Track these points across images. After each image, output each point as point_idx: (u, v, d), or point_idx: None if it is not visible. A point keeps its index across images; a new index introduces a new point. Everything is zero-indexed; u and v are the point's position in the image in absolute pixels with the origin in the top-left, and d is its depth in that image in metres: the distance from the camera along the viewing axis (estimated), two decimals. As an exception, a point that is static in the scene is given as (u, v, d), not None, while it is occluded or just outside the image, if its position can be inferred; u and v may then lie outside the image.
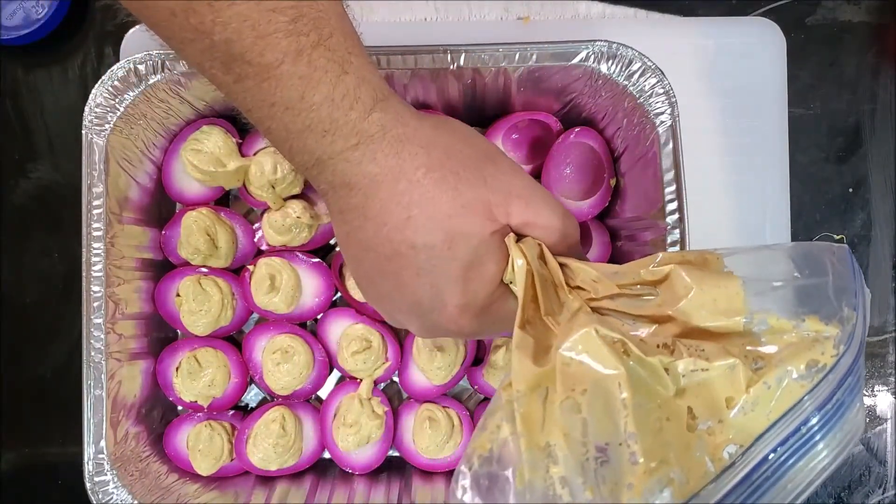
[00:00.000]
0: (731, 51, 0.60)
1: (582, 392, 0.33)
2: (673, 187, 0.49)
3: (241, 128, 0.57)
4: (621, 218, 0.56)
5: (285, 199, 0.56)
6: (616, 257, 0.57)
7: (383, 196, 0.35)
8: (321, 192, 0.38)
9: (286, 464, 0.55)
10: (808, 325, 0.34)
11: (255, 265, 0.56)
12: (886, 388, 0.60)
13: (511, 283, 0.38)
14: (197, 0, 0.32)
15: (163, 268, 0.57)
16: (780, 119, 0.60)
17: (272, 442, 0.53)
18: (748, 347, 0.34)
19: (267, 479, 0.56)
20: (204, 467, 0.54)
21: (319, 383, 0.57)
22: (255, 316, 0.59)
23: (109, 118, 0.51)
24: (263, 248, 0.57)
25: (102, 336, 0.51)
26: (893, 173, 0.61)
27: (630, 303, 0.37)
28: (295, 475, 0.57)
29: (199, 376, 0.55)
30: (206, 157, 0.53)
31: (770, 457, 0.33)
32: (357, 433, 0.54)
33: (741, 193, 0.60)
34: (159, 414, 0.57)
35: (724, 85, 0.60)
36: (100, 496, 0.51)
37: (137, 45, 0.59)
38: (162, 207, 0.58)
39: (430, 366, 0.54)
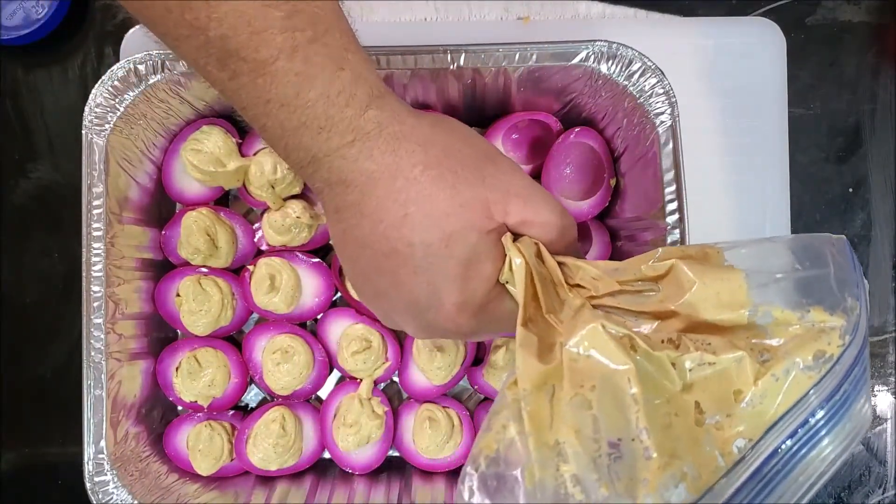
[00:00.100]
0: (731, 51, 0.60)
1: (591, 388, 0.33)
2: (673, 187, 0.49)
3: (241, 128, 0.57)
4: (621, 218, 0.56)
5: (285, 199, 0.56)
6: (616, 257, 0.57)
7: (380, 193, 0.35)
8: (316, 190, 0.38)
9: (286, 464, 0.55)
10: (812, 316, 0.34)
11: (255, 265, 0.56)
12: (886, 388, 0.60)
13: (507, 282, 0.38)
14: None
15: (163, 268, 0.57)
16: (780, 119, 0.60)
17: (272, 442, 0.53)
18: (753, 340, 0.34)
19: (267, 479, 0.56)
20: (204, 467, 0.54)
21: (319, 383, 0.57)
22: (255, 316, 0.59)
23: (109, 118, 0.51)
24: (263, 248, 0.57)
25: (102, 336, 0.51)
26: (893, 173, 0.61)
27: (632, 299, 0.37)
28: (295, 475, 0.57)
29: (199, 376, 0.55)
30: (206, 157, 0.53)
31: (780, 449, 0.33)
32: (357, 433, 0.54)
33: (741, 193, 0.60)
34: (159, 414, 0.57)
35: (724, 85, 0.60)
36: (100, 496, 0.51)
37: (137, 45, 0.59)
38: (162, 207, 0.58)
39: (430, 366, 0.54)
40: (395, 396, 0.59)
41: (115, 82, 0.51)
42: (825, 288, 0.34)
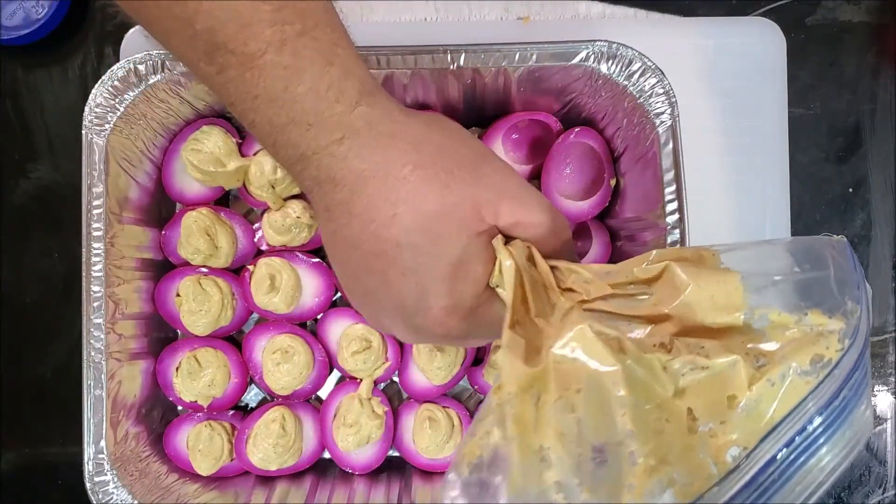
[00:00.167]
0: (731, 51, 0.60)
1: (576, 391, 0.32)
2: (673, 187, 0.49)
3: (241, 128, 0.57)
4: (621, 218, 0.56)
5: (285, 199, 0.56)
6: (616, 257, 0.57)
7: (370, 192, 0.35)
8: (306, 189, 0.37)
9: (286, 464, 0.55)
10: (810, 320, 0.33)
11: (255, 265, 0.56)
12: (886, 388, 0.60)
13: (497, 286, 0.37)
14: None
15: (163, 268, 0.57)
16: (780, 119, 0.60)
17: (272, 442, 0.53)
18: (749, 344, 0.33)
19: (267, 479, 0.56)
20: (204, 467, 0.54)
21: (319, 383, 0.57)
22: (255, 316, 0.59)
23: (109, 118, 0.51)
24: (263, 248, 0.57)
25: (102, 336, 0.51)
26: (893, 173, 0.61)
27: (624, 303, 0.36)
28: (295, 475, 0.57)
29: (199, 376, 0.55)
30: (206, 157, 0.53)
31: (777, 457, 0.32)
32: (357, 433, 0.54)
33: (741, 193, 0.60)
34: (159, 414, 0.57)
35: (724, 85, 0.60)
36: (100, 496, 0.51)
37: (137, 45, 0.59)
38: (162, 207, 0.58)
39: (430, 366, 0.54)
40: (395, 396, 0.59)
41: (115, 82, 0.51)
42: (824, 290, 0.33)
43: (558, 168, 0.56)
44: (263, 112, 0.34)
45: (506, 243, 0.37)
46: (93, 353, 0.50)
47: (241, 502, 0.54)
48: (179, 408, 0.58)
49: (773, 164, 0.60)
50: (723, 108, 0.60)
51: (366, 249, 0.36)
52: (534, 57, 0.50)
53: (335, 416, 0.56)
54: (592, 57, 0.50)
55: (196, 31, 0.32)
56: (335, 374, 0.59)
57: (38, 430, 0.60)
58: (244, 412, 0.59)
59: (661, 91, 0.49)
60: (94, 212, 0.51)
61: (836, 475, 0.32)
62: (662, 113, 0.49)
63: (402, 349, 0.57)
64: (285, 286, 0.55)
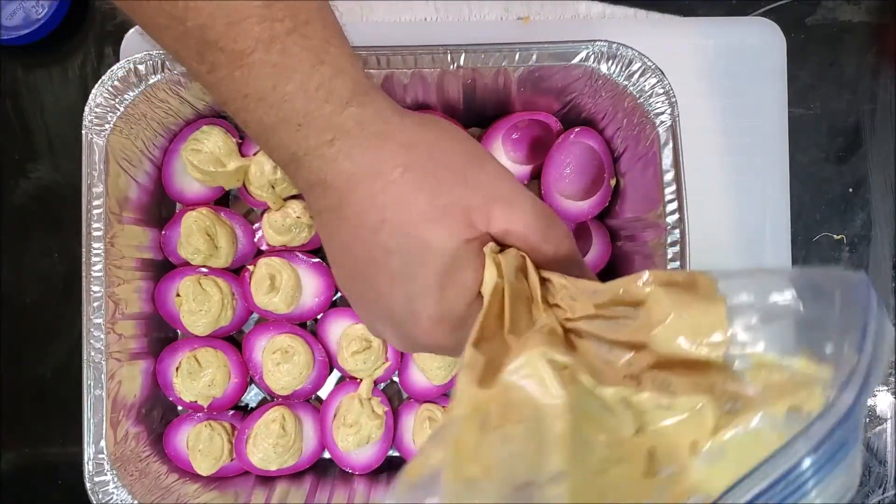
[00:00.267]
0: (731, 51, 0.60)
1: (517, 421, 0.29)
2: (673, 187, 0.49)
3: (240, 128, 0.57)
4: (621, 218, 0.56)
5: (285, 199, 0.56)
6: (616, 257, 0.57)
7: (359, 197, 0.34)
8: (300, 190, 0.36)
9: (286, 464, 0.55)
10: (796, 365, 0.29)
11: (255, 265, 0.56)
12: (886, 387, 0.60)
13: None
14: None
15: (163, 268, 0.57)
16: (780, 119, 0.60)
17: (272, 442, 0.53)
18: (726, 385, 0.30)
19: (267, 479, 0.56)
20: (204, 467, 0.54)
21: (319, 383, 0.57)
22: (255, 316, 0.59)
23: (109, 118, 0.51)
24: (263, 248, 0.57)
25: (102, 336, 0.51)
26: (893, 173, 0.61)
27: (606, 325, 0.33)
28: (295, 475, 0.57)
29: (199, 376, 0.55)
30: (206, 157, 0.53)
31: None
32: (357, 433, 0.54)
33: (741, 193, 0.60)
34: (159, 414, 0.57)
35: (724, 85, 0.60)
36: (100, 496, 0.51)
37: (137, 45, 0.59)
38: (162, 207, 0.58)
39: (430, 366, 0.54)
40: (395, 396, 0.59)
41: (115, 82, 0.51)
42: (821, 333, 0.29)
43: (558, 168, 0.56)
44: (253, 112, 0.33)
45: (501, 251, 0.35)
46: (93, 353, 0.50)
47: (241, 502, 0.54)
48: (179, 408, 0.58)
49: (773, 164, 0.60)
50: (723, 108, 0.60)
51: (356, 254, 0.35)
52: (534, 57, 0.50)
53: (335, 416, 0.56)
54: (592, 57, 0.50)
55: (187, 28, 0.31)
56: (335, 374, 0.59)
57: (38, 430, 0.60)
58: (244, 412, 0.59)
59: (661, 91, 0.49)
60: (94, 212, 0.51)
61: None
62: (662, 113, 0.49)
63: (402, 349, 0.57)
64: (285, 286, 0.55)
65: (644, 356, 0.32)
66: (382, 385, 0.59)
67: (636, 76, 0.49)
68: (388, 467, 0.57)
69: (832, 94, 0.61)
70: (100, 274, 0.51)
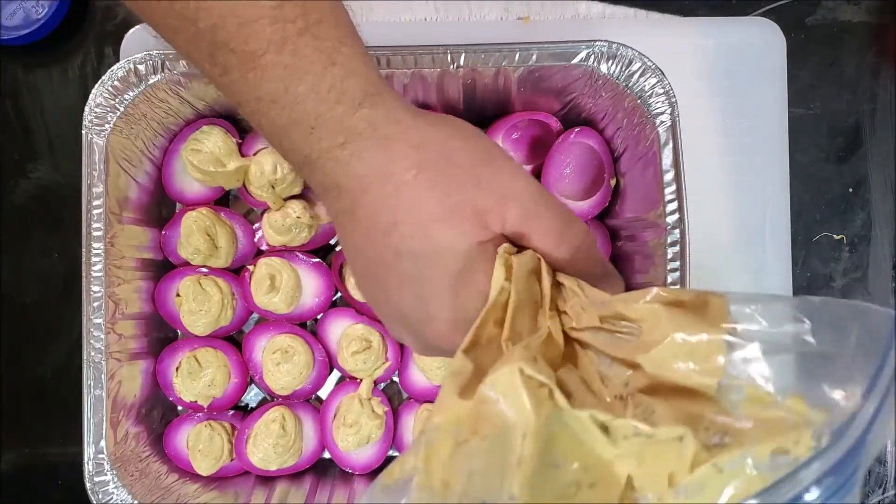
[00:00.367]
0: (731, 51, 0.60)
1: (484, 437, 0.28)
2: (673, 187, 0.49)
3: (241, 128, 0.57)
4: (621, 218, 0.56)
5: (285, 199, 0.56)
6: (616, 257, 0.57)
7: (371, 199, 0.33)
8: (316, 192, 0.36)
9: (286, 464, 0.55)
10: (790, 404, 0.28)
11: (255, 265, 0.56)
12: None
13: None
14: None
15: (163, 268, 0.57)
16: (780, 119, 0.60)
17: (272, 442, 0.53)
18: (715, 416, 0.28)
19: (267, 479, 0.56)
20: (204, 467, 0.54)
21: (319, 383, 0.57)
22: (255, 316, 0.59)
23: (109, 118, 0.51)
24: (263, 248, 0.57)
25: (102, 336, 0.51)
26: (893, 173, 0.61)
27: (608, 340, 0.32)
28: (295, 475, 0.57)
29: (199, 376, 0.55)
30: (206, 157, 0.53)
31: None
32: (357, 433, 0.54)
33: (741, 193, 0.60)
34: (159, 414, 0.57)
35: (724, 85, 0.60)
36: (100, 496, 0.51)
37: (137, 45, 0.59)
38: (162, 207, 0.58)
39: (430, 366, 0.54)
40: (395, 396, 0.59)
41: (115, 82, 0.51)
42: (824, 372, 0.27)
43: (558, 168, 0.56)
44: (267, 114, 0.33)
45: (518, 251, 0.34)
46: (93, 353, 0.50)
47: (241, 502, 0.54)
48: (179, 408, 0.58)
49: (773, 164, 0.60)
50: (723, 108, 0.60)
51: (368, 256, 0.35)
52: (534, 57, 0.50)
53: (335, 416, 0.56)
54: (592, 57, 0.50)
55: (199, 29, 0.31)
56: (335, 374, 0.59)
57: (38, 430, 0.60)
58: (244, 412, 0.59)
59: (661, 91, 0.49)
60: (94, 212, 0.51)
61: None
62: (662, 113, 0.49)
63: (402, 349, 0.57)
64: (285, 286, 0.55)
65: (639, 377, 0.31)
66: (382, 385, 0.59)
67: (636, 76, 0.49)
68: (388, 467, 0.57)
69: (832, 94, 0.61)
70: (100, 274, 0.51)
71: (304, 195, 0.57)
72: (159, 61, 0.51)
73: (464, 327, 0.33)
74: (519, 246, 0.35)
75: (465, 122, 0.37)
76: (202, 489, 0.54)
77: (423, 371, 0.55)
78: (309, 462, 0.56)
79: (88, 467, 0.50)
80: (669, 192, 0.49)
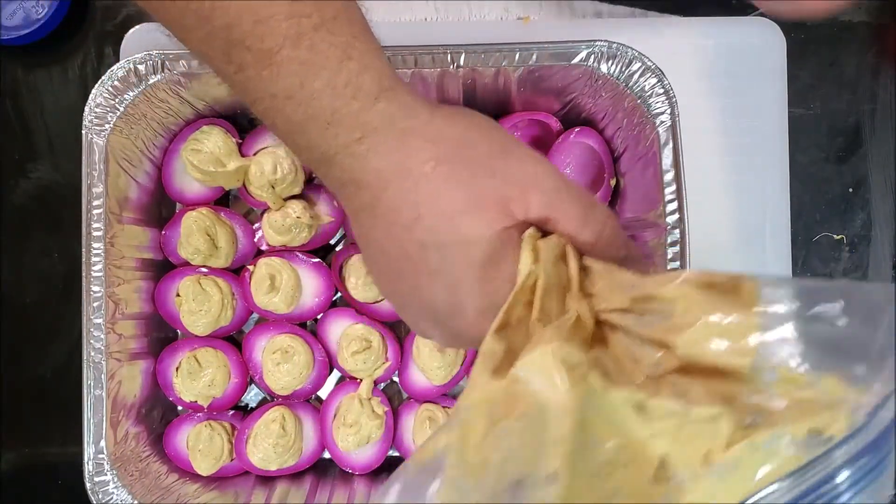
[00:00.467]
0: (731, 51, 0.60)
1: (518, 417, 0.29)
2: (673, 187, 0.49)
3: (241, 128, 0.57)
4: (621, 218, 0.56)
5: (285, 199, 0.56)
6: (616, 257, 0.57)
7: (391, 194, 0.33)
8: (333, 190, 0.36)
9: (286, 464, 0.55)
10: (825, 384, 0.28)
11: (255, 265, 0.56)
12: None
13: None
14: None
15: (163, 268, 0.57)
16: (780, 119, 0.60)
17: (272, 442, 0.53)
18: (749, 397, 0.29)
19: (267, 479, 0.56)
20: (204, 467, 0.54)
21: (319, 383, 0.57)
22: (255, 316, 0.59)
23: (109, 118, 0.51)
24: (263, 248, 0.57)
25: (102, 336, 0.51)
26: (893, 173, 0.61)
27: (639, 321, 0.32)
28: (295, 475, 0.57)
29: (199, 376, 0.55)
30: (206, 157, 0.53)
31: None
32: (357, 433, 0.54)
33: (741, 193, 0.60)
34: (159, 414, 0.57)
35: (724, 85, 0.60)
36: (100, 496, 0.51)
37: (137, 45, 0.59)
38: (162, 207, 0.58)
39: (430, 366, 0.54)
40: (395, 396, 0.59)
41: (115, 82, 0.51)
42: (860, 353, 0.27)
43: (558, 168, 0.56)
44: (282, 111, 0.33)
45: (543, 237, 0.34)
46: (93, 353, 0.50)
47: (241, 502, 0.54)
48: (179, 408, 0.58)
49: (773, 164, 0.60)
50: (723, 108, 0.60)
51: (392, 254, 0.35)
52: (534, 57, 0.50)
53: (335, 416, 0.56)
54: (592, 57, 0.50)
55: (214, 27, 0.31)
56: (335, 374, 0.59)
57: (38, 430, 0.60)
58: (244, 412, 0.59)
59: (661, 91, 0.49)
60: (94, 212, 0.51)
61: None
62: (662, 113, 0.49)
63: (402, 349, 0.57)
64: (285, 286, 0.55)
65: (671, 358, 0.31)
66: (382, 385, 0.59)
67: (636, 76, 0.49)
68: (388, 467, 0.57)
69: (832, 94, 0.61)
70: (100, 274, 0.51)
71: (305, 195, 0.57)
72: (159, 61, 0.51)
73: (492, 315, 0.33)
74: (543, 231, 0.35)
75: (481, 113, 0.37)
76: (202, 489, 0.55)
77: (423, 371, 0.55)
78: (309, 462, 0.56)
79: (88, 467, 0.50)
80: (669, 192, 0.49)
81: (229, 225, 0.56)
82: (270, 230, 0.56)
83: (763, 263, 0.59)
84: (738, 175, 0.60)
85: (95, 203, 0.51)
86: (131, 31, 0.60)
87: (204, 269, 0.56)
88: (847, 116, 0.61)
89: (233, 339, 0.58)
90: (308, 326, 0.59)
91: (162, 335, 0.58)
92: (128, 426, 0.53)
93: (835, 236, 0.61)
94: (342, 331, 0.56)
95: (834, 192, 0.61)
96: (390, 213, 0.34)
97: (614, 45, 0.49)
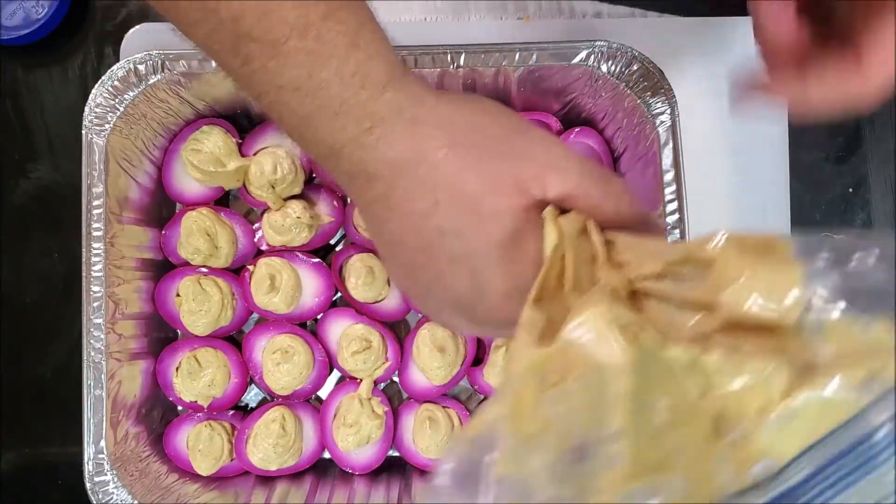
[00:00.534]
0: (731, 51, 0.60)
1: (576, 378, 0.29)
2: (673, 187, 0.49)
3: (241, 128, 0.57)
4: (621, 218, 0.56)
5: (285, 199, 0.56)
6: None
7: (406, 183, 0.33)
8: (343, 185, 0.36)
9: (286, 464, 0.55)
10: (875, 331, 0.28)
11: (255, 265, 0.56)
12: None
13: None
14: None
15: (163, 268, 0.57)
16: (780, 119, 0.60)
17: (272, 442, 0.53)
18: (798, 349, 0.29)
19: (267, 479, 0.56)
20: (204, 467, 0.54)
21: (319, 383, 0.57)
22: (255, 316, 0.59)
23: (109, 118, 0.51)
24: (263, 248, 0.57)
25: (102, 336, 0.51)
26: (893, 173, 0.61)
27: (674, 286, 0.32)
28: (295, 475, 0.57)
29: (199, 376, 0.55)
30: (205, 157, 0.53)
31: (810, 482, 0.28)
32: (357, 433, 0.54)
33: (741, 193, 0.60)
34: (159, 414, 0.57)
35: (724, 85, 0.60)
36: (100, 496, 0.51)
37: (137, 45, 0.59)
38: (162, 207, 0.58)
39: (430, 366, 0.54)
40: (395, 396, 0.59)
41: (115, 82, 0.51)
42: None
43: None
44: (289, 103, 0.32)
45: (561, 214, 0.34)
46: (93, 353, 0.50)
47: (241, 502, 0.54)
48: (179, 408, 0.58)
49: (773, 164, 0.60)
50: (723, 108, 0.60)
51: (410, 244, 0.34)
52: (534, 57, 0.50)
53: (335, 416, 0.56)
54: (592, 57, 0.50)
55: (221, 19, 0.31)
56: (335, 374, 0.59)
57: (38, 430, 0.60)
58: (244, 412, 0.59)
59: (661, 91, 0.49)
60: (94, 212, 0.51)
61: None
62: (662, 113, 0.49)
63: (402, 349, 0.57)
64: (285, 286, 0.55)
65: (712, 319, 0.31)
66: (382, 385, 0.59)
67: (636, 76, 0.49)
68: (388, 467, 0.57)
69: (832, 94, 0.61)
70: (100, 274, 0.51)
71: (305, 195, 0.57)
72: (159, 61, 0.51)
73: (518, 296, 0.33)
74: (563, 210, 0.35)
75: (489, 98, 0.36)
76: (202, 489, 0.55)
77: (423, 371, 0.55)
78: (309, 462, 0.56)
79: (88, 467, 0.50)
80: (669, 192, 0.49)
81: (229, 225, 0.56)
82: (270, 230, 0.56)
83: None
84: (738, 175, 0.60)
85: (95, 203, 0.51)
86: (131, 31, 0.60)
87: (204, 269, 0.56)
88: (847, 116, 0.61)
89: (233, 339, 0.58)
90: (308, 326, 0.59)
91: (162, 335, 0.58)
92: (128, 426, 0.53)
93: (835, 236, 0.61)
94: (342, 331, 0.56)
95: (834, 192, 0.61)
96: (405, 202, 0.33)
97: (614, 45, 0.49)
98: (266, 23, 0.31)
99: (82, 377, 0.50)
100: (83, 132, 0.51)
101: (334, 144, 0.33)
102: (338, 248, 0.59)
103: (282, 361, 0.55)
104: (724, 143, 0.60)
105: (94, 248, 0.51)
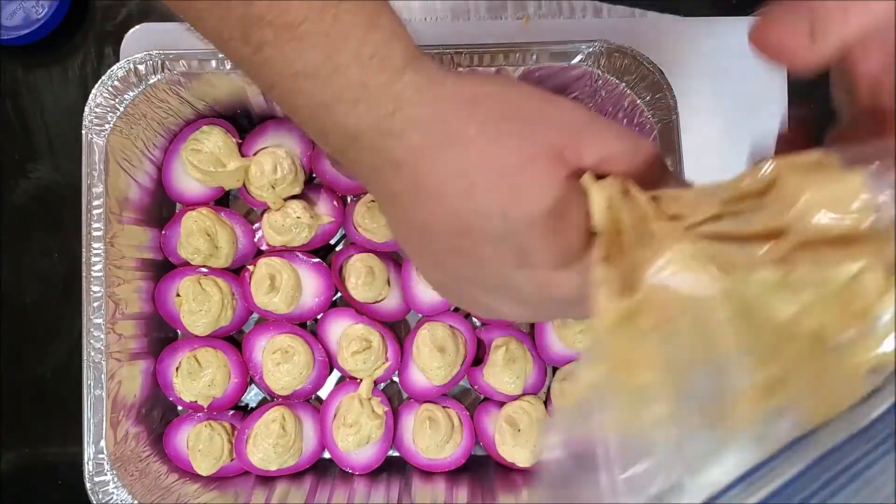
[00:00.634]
0: (731, 51, 0.60)
1: (673, 318, 0.28)
2: (673, 187, 0.49)
3: (241, 128, 0.57)
4: (621, 218, 0.56)
5: (285, 199, 0.56)
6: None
7: (438, 167, 0.31)
8: (364, 179, 0.34)
9: (286, 464, 0.55)
10: None
11: (255, 265, 0.56)
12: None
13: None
14: None
15: (163, 268, 0.57)
16: (781, 119, 0.60)
17: (272, 442, 0.54)
18: (879, 252, 0.28)
19: (267, 479, 0.56)
20: (204, 467, 0.54)
21: (319, 383, 0.57)
22: (255, 316, 0.59)
23: (109, 118, 0.51)
24: (263, 248, 0.57)
25: (102, 336, 0.51)
26: (893, 173, 0.61)
27: (735, 223, 0.31)
28: (295, 475, 0.57)
29: (199, 376, 0.55)
30: (206, 157, 0.53)
31: (805, 477, 0.28)
32: (357, 433, 0.54)
33: (741, 193, 0.59)
34: (159, 414, 0.57)
35: (724, 85, 0.60)
36: (100, 496, 0.51)
37: (137, 45, 0.59)
38: (162, 207, 0.58)
39: (430, 366, 0.54)
40: (395, 396, 0.59)
41: (115, 82, 0.51)
42: None
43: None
44: (304, 91, 0.31)
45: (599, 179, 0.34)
46: (93, 353, 0.50)
47: (241, 502, 0.54)
48: (179, 408, 0.58)
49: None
50: (723, 108, 0.60)
51: (446, 231, 0.32)
52: (534, 57, 0.50)
53: (335, 416, 0.56)
54: (592, 57, 0.50)
55: (231, 5, 0.30)
56: (335, 374, 0.59)
57: (38, 430, 0.60)
58: (244, 412, 0.59)
59: (661, 91, 0.49)
60: (94, 212, 0.51)
61: None
62: (662, 113, 0.49)
63: (402, 349, 0.57)
64: (285, 286, 0.55)
65: (783, 243, 0.30)
66: (382, 385, 0.59)
67: (636, 76, 0.49)
68: (388, 467, 0.57)
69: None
70: (100, 274, 0.51)
71: (305, 195, 0.57)
72: (159, 61, 0.51)
73: (568, 266, 0.32)
74: (600, 175, 0.34)
75: (507, 76, 0.35)
76: (202, 489, 0.55)
77: (423, 371, 0.55)
78: (309, 462, 0.56)
79: (88, 467, 0.50)
80: (669, 192, 0.49)
81: (229, 225, 0.56)
82: (270, 230, 0.56)
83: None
84: (738, 175, 0.60)
85: (95, 203, 0.51)
86: (131, 31, 0.60)
87: (204, 269, 0.56)
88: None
89: (233, 339, 0.58)
90: (308, 326, 0.59)
91: (162, 335, 0.58)
92: (128, 426, 0.53)
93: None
94: (342, 331, 0.56)
95: (834, 192, 0.61)
96: (439, 186, 0.31)
97: (614, 45, 0.49)
98: (279, 5, 0.29)
99: (82, 377, 0.50)
100: (83, 132, 0.51)
101: (356, 132, 0.32)
102: (338, 248, 0.59)
103: (282, 361, 0.55)
104: (725, 143, 0.60)
105: (94, 248, 0.51)
